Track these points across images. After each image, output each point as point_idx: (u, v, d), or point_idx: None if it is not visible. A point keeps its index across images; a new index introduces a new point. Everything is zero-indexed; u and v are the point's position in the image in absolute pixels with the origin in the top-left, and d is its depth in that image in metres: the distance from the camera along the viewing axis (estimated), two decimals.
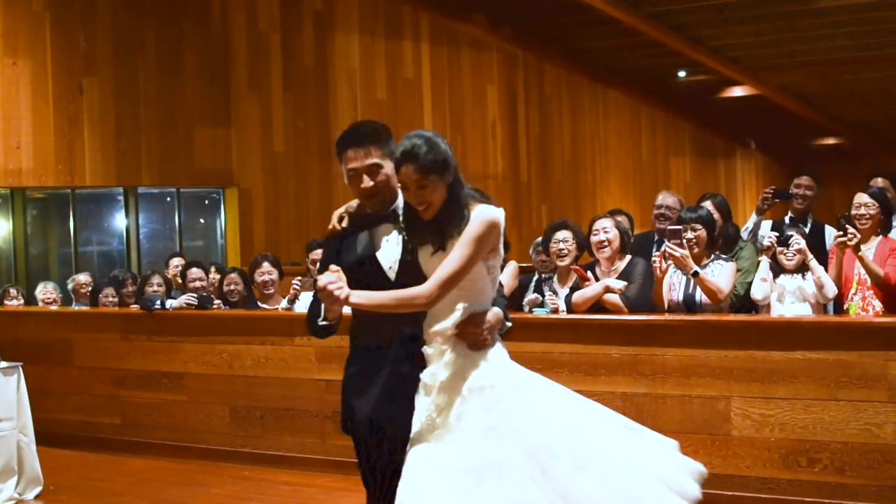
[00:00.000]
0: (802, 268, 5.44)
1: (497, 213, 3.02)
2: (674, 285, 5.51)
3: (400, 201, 3.19)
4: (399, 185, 3.10)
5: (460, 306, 3.02)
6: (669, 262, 5.37)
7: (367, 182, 3.19)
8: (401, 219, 3.18)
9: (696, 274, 5.30)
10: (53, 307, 8.23)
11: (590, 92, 17.11)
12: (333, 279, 2.90)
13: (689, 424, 5.22)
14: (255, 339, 6.66)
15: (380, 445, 3.17)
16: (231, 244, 11.49)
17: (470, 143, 14.23)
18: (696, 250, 5.40)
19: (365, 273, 3.17)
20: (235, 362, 6.74)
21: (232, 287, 7.05)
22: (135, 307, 7.33)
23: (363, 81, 12.75)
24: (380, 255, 3.22)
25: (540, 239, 6.27)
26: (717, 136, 21.20)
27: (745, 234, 6.40)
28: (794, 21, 13.59)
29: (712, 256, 5.49)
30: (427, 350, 3.08)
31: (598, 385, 5.41)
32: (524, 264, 6.93)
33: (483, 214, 3.00)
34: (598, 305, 5.52)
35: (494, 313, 3.09)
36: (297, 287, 6.65)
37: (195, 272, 7.34)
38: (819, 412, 4.95)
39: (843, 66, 15.93)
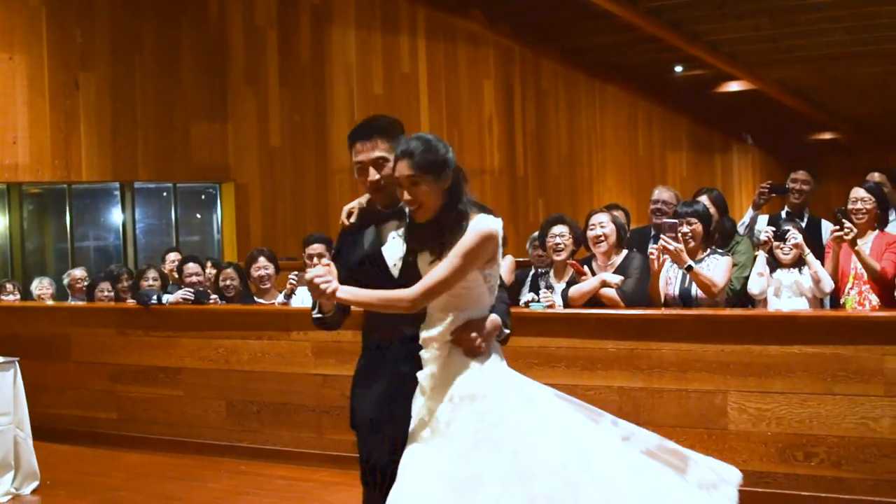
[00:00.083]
0: (799, 262, 5.45)
1: (494, 225, 3.02)
2: (670, 280, 5.51)
3: None
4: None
5: (453, 313, 3.02)
6: (665, 256, 5.38)
7: (374, 175, 3.20)
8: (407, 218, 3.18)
9: (689, 268, 5.30)
10: (49, 302, 8.22)
11: (586, 87, 17.10)
12: (322, 272, 2.93)
13: (685, 419, 5.23)
14: (251, 334, 6.67)
15: (380, 445, 3.17)
16: (227, 239, 11.46)
17: (466, 138, 14.21)
18: (691, 244, 5.41)
19: (366, 270, 3.18)
20: (232, 357, 6.74)
21: (228, 282, 7.05)
22: (131, 302, 7.33)
23: (360, 76, 12.72)
24: (385, 250, 3.22)
25: (536, 234, 6.27)
26: (713, 131, 21.20)
27: (741, 229, 6.40)
28: (791, 16, 13.58)
29: (708, 251, 5.49)
30: (424, 354, 3.09)
31: (595, 379, 5.42)
32: (521, 259, 6.93)
33: (479, 227, 2.99)
34: (594, 300, 5.52)
35: (492, 320, 3.08)
36: (294, 282, 6.64)
37: (192, 267, 7.33)
38: (815, 406, 4.96)
39: (840, 62, 15.92)
